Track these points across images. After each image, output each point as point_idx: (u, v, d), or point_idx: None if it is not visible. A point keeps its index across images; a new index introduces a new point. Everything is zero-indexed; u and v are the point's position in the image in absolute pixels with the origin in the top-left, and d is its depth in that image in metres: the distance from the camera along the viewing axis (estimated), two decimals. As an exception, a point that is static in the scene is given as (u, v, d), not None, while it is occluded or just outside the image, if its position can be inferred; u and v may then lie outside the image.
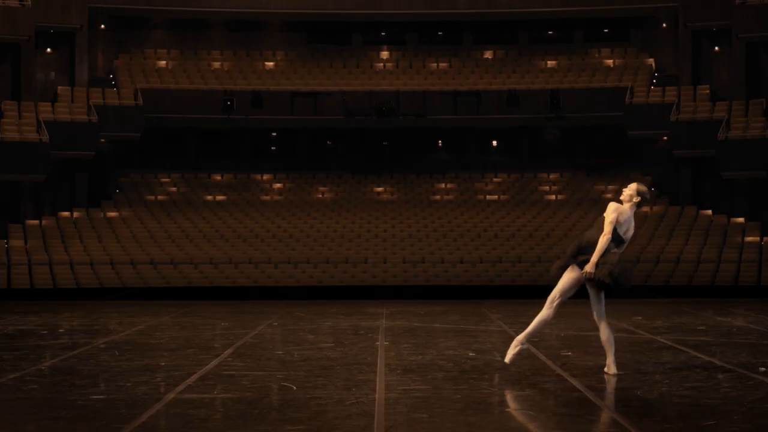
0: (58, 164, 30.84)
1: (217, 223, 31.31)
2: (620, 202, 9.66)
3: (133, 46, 34.99)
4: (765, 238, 29.25)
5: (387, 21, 35.27)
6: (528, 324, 9.93)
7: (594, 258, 9.34)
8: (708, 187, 32.62)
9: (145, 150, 33.99)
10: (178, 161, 34.49)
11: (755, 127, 30.56)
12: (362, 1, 33.79)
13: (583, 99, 32.77)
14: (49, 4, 31.70)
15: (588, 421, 7.61)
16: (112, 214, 31.51)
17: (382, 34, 36.28)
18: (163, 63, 34.76)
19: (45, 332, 15.38)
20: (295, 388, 9.09)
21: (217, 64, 34.98)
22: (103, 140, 31.90)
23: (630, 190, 9.63)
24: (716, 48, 33.15)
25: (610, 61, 35.02)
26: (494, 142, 35.62)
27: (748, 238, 29.40)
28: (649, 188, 33.22)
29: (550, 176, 34.34)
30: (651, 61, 34.62)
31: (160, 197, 32.98)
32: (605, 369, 9.83)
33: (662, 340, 13.50)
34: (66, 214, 31.17)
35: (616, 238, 9.46)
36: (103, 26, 34.37)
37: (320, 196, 33.59)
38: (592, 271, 9.32)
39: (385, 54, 35.91)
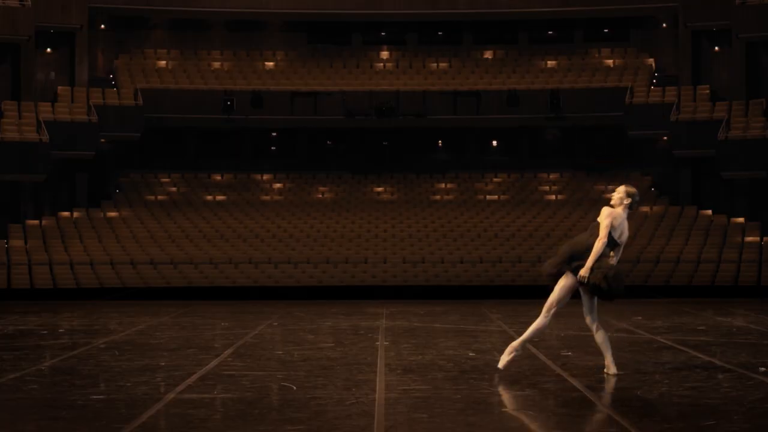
0: (58, 164, 30.84)
1: (217, 223, 31.31)
2: (611, 206, 9.65)
3: (133, 46, 34.99)
4: (765, 238, 29.25)
5: (387, 21, 35.26)
6: (528, 324, 9.94)
7: (589, 262, 9.34)
8: (708, 187, 32.62)
9: (145, 150, 33.99)
10: (178, 161, 34.49)
11: (755, 127, 30.56)
12: (362, 1, 33.78)
13: (583, 99, 32.76)
14: (49, 4, 31.70)
15: (588, 421, 7.62)
16: (112, 214, 31.51)
17: (382, 34, 36.28)
18: (163, 63, 34.76)
19: (45, 332, 15.38)
20: (295, 388, 9.09)
21: (217, 64, 34.99)
22: (103, 140, 31.90)
23: (619, 193, 9.63)
24: (716, 48, 33.15)
25: (610, 61, 35.03)
26: (494, 142, 35.62)
27: (748, 238, 29.40)
28: (650, 187, 33.34)
29: (550, 176, 34.34)
30: (651, 61, 34.62)
31: (160, 197, 32.98)
32: (605, 369, 9.84)
33: (662, 340, 13.50)
34: (66, 214, 31.17)
35: (611, 242, 9.47)
36: (103, 26, 34.37)
37: (320, 196, 33.59)
38: (587, 275, 9.32)
39: (385, 54, 35.92)
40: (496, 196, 33.39)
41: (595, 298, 9.61)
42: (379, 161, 34.92)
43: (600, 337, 9.75)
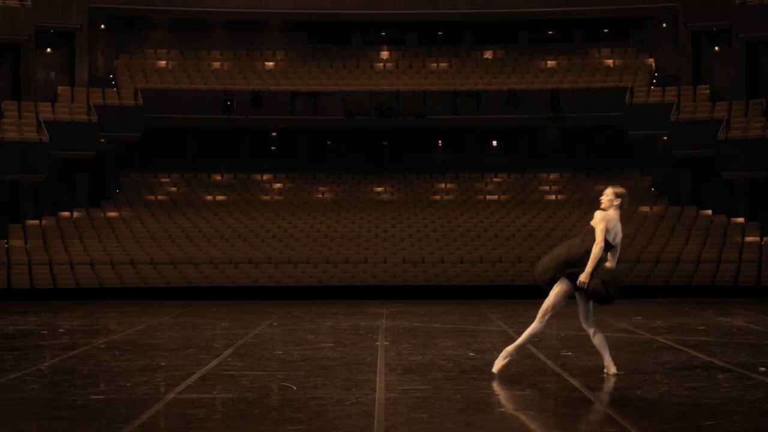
0: (58, 164, 30.84)
1: (217, 223, 31.31)
2: (602, 209, 9.64)
3: (133, 46, 34.98)
4: (765, 238, 29.25)
5: (387, 21, 35.26)
6: (528, 324, 9.94)
7: (589, 268, 9.34)
8: (708, 187, 32.61)
9: (145, 150, 33.99)
10: (178, 161, 34.49)
11: (755, 127, 30.56)
12: (362, 1, 33.78)
13: (583, 99, 32.76)
14: (49, 4, 31.70)
15: (588, 421, 7.62)
16: (112, 214, 31.51)
17: (382, 34, 36.28)
18: (163, 63, 34.76)
19: (45, 332, 15.38)
20: (295, 388, 9.09)
21: (217, 64, 34.99)
22: (103, 140, 31.89)
23: (607, 195, 9.65)
24: (716, 48, 33.14)
25: (610, 61, 35.03)
26: (494, 142, 35.62)
27: (748, 238, 29.40)
28: (650, 187, 33.33)
29: (550, 176, 34.35)
30: (651, 61, 34.62)
31: (160, 197, 32.98)
32: (605, 370, 9.85)
33: (662, 340, 13.50)
34: (66, 214, 31.17)
35: (606, 245, 9.49)
36: (103, 26, 34.36)
37: (320, 196, 33.59)
38: (587, 280, 9.33)
39: (385, 54, 35.92)
40: (496, 196, 33.39)
41: (590, 302, 9.63)
42: (379, 161, 34.92)
43: (597, 339, 9.79)
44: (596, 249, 9.36)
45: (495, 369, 9.83)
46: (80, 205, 31.79)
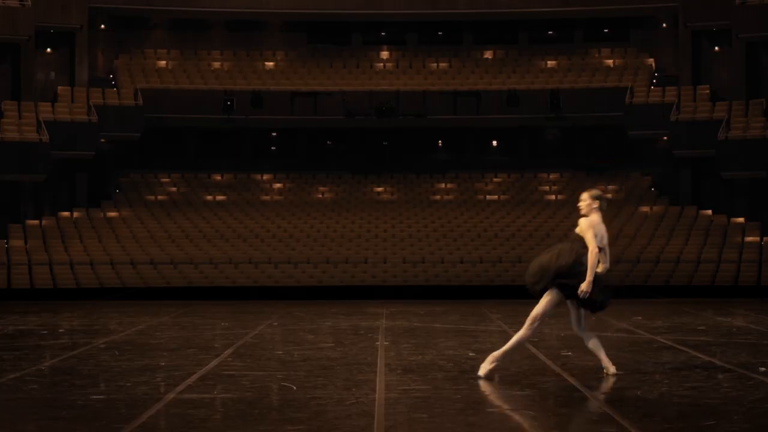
0: (58, 164, 30.84)
1: (217, 223, 31.31)
2: (583, 215, 9.64)
3: (133, 46, 34.98)
4: (765, 238, 29.24)
5: (387, 21, 35.26)
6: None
7: (589, 276, 9.34)
8: (708, 187, 32.61)
9: (145, 150, 33.99)
10: (178, 161, 34.49)
11: (755, 127, 30.56)
12: (362, 1, 33.77)
13: (583, 99, 32.76)
14: (49, 4, 31.70)
15: (588, 421, 7.62)
16: (112, 214, 31.51)
17: (382, 34, 36.28)
18: (163, 63, 34.76)
19: (45, 332, 15.38)
20: (295, 388, 9.09)
21: (217, 64, 34.98)
22: (103, 140, 31.89)
23: (585, 200, 9.65)
24: (716, 48, 33.14)
25: (610, 61, 35.02)
26: (494, 142, 35.62)
27: (748, 238, 29.40)
28: (650, 187, 33.32)
29: (550, 176, 34.34)
30: (651, 61, 34.62)
31: (160, 197, 32.98)
32: (604, 370, 9.85)
33: (662, 340, 13.50)
34: (66, 214, 31.16)
35: None
36: (103, 26, 34.36)
37: (320, 196, 33.59)
38: (589, 289, 9.33)
39: (385, 54, 35.91)
40: (496, 196, 33.39)
41: (582, 309, 9.66)
42: (379, 161, 34.92)
43: (592, 343, 9.82)
44: (593, 257, 9.37)
45: (481, 372, 9.76)
46: (80, 205, 31.78)
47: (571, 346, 12.52)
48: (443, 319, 17.82)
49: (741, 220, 30.53)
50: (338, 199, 33.34)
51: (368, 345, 13.00)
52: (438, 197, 33.41)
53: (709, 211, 31.25)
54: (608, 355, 9.94)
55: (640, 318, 17.47)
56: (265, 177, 34.33)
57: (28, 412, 7.98)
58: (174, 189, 33.63)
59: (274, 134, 35.25)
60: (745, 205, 31.34)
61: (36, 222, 30.34)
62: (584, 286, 9.34)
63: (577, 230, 9.56)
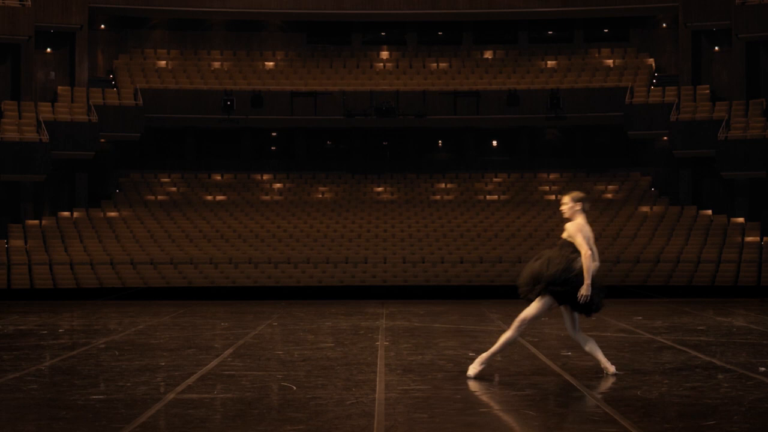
0: (58, 164, 30.85)
1: (217, 223, 31.31)
2: (569, 219, 9.66)
3: (133, 46, 34.99)
4: (765, 238, 29.25)
5: (387, 21, 35.27)
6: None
7: (587, 280, 9.35)
8: (708, 187, 32.62)
9: (145, 150, 34.00)
10: (178, 161, 34.50)
11: (755, 127, 30.56)
12: (362, 1, 33.79)
13: (583, 99, 32.78)
14: (49, 4, 31.71)
15: (587, 421, 7.61)
16: (112, 214, 31.51)
17: (382, 34, 36.28)
18: (163, 63, 34.76)
19: (45, 332, 15.37)
20: (295, 388, 9.09)
21: (217, 64, 34.99)
22: (103, 140, 31.90)
23: (567, 204, 9.66)
24: (716, 48, 33.15)
25: (610, 61, 35.03)
26: (494, 142, 35.62)
27: (748, 238, 29.40)
28: (650, 187, 33.33)
29: (550, 176, 34.35)
30: (651, 61, 34.62)
31: (160, 197, 32.98)
32: (604, 371, 9.85)
33: (662, 340, 13.50)
34: (66, 214, 31.17)
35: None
36: (103, 26, 34.37)
37: (320, 196, 33.60)
38: (588, 293, 9.34)
39: (385, 54, 35.92)
40: (496, 196, 33.39)
41: (576, 313, 9.67)
42: (379, 161, 34.92)
43: (589, 346, 9.82)
44: (587, 261, 9.37)
45: (470, 373, 9.74)
46: (80, 205, 31.79)
47: (571, 346, 12.52)
48: (443, 319, 17.81)
49: (741, 220, 30.54)
50: (338, 199, 33.35)
51: (368, 345, 12.99)
52: (438, 197, 33.42)
53: (709, 211, 31.26)
54: (608, 355, 9.95)
55: (640, 318, 17.46)
56: (265, 177, 34.34)
57: (28, 412, 7.98)
58: (174, 189, 33.63)
59: (274, 134, 35.26)
60: (745, 205, 31.35)
61: (36, 222, 30.35)
62: (584, 290, 9.34)
63: (565, 235, 9.58)
